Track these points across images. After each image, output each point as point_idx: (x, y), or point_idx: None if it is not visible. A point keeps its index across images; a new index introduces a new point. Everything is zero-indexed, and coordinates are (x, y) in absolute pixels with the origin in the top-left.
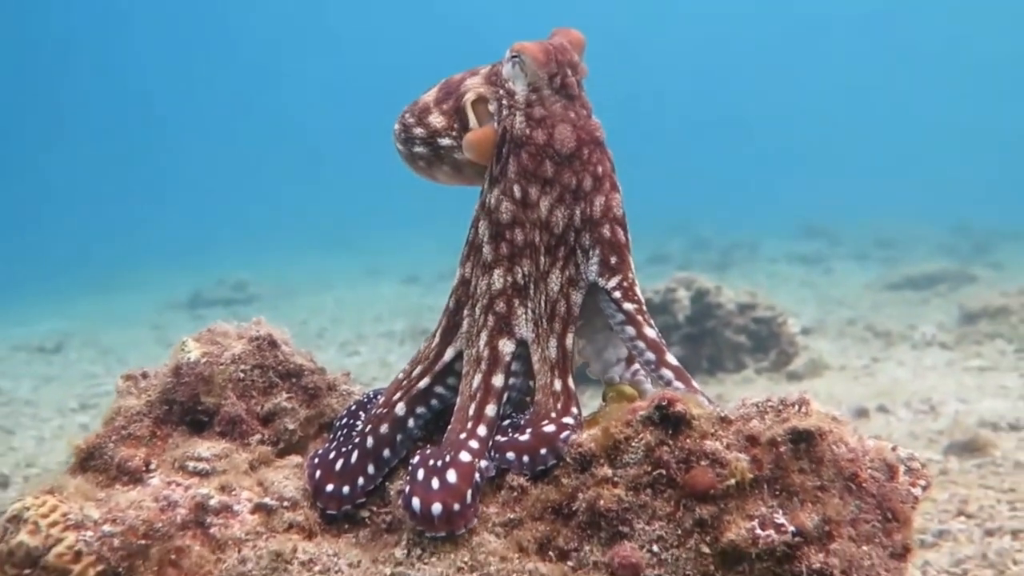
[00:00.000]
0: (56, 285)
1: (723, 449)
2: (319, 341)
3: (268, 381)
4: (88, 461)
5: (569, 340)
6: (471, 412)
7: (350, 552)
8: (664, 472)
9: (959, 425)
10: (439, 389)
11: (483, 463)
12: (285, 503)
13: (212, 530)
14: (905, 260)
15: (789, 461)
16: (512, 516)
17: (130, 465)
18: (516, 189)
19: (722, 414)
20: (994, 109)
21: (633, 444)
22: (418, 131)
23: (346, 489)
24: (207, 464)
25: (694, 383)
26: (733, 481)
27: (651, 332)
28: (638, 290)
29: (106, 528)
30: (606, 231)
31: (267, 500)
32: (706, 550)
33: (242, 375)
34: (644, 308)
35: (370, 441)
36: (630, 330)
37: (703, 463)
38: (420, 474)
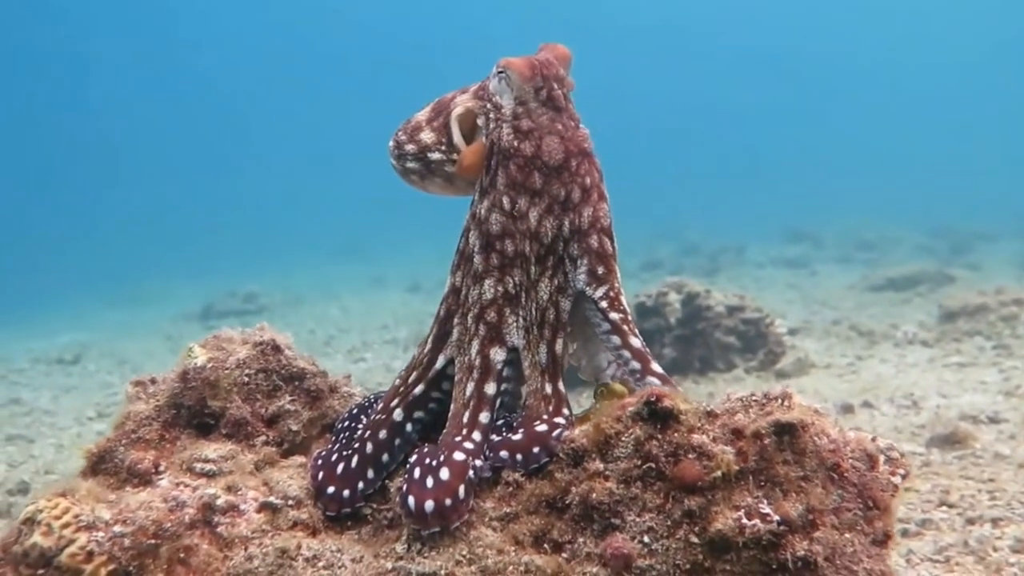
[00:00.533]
0: (74, 299)
1: (710, 442)
2: (327, 349)
3: (272, 384)
4: (99, 464)
5: (559, 346)
6: (465, 419)
7: (353, 548)
8: (653, 465)
9: (940, 419)
10: (435, 394)
11: (477, 463)
12: (290, 502)
13: (219, 529)
14: (886, 262)
15: (773, 453)
16: (508, 511)
17: (140, 468)
18: (505, 200)
19: (708, 409)
20: (970, 113)
21: (623, 439)
22: (409, 147)
23: (347, 492)
24: (214, 465)
25: (679, 389)
26: (719, 473)
27: (636, 342)
28: (624, 300)
29: (117, 528)
30: (594, 241)
31: (272, 499)
32: (695, 540)
33: (247, 379)
34: (629, 318)
35: (369, 447)
36: (616, 340)
37: (691, 456)
38: (416, 473)
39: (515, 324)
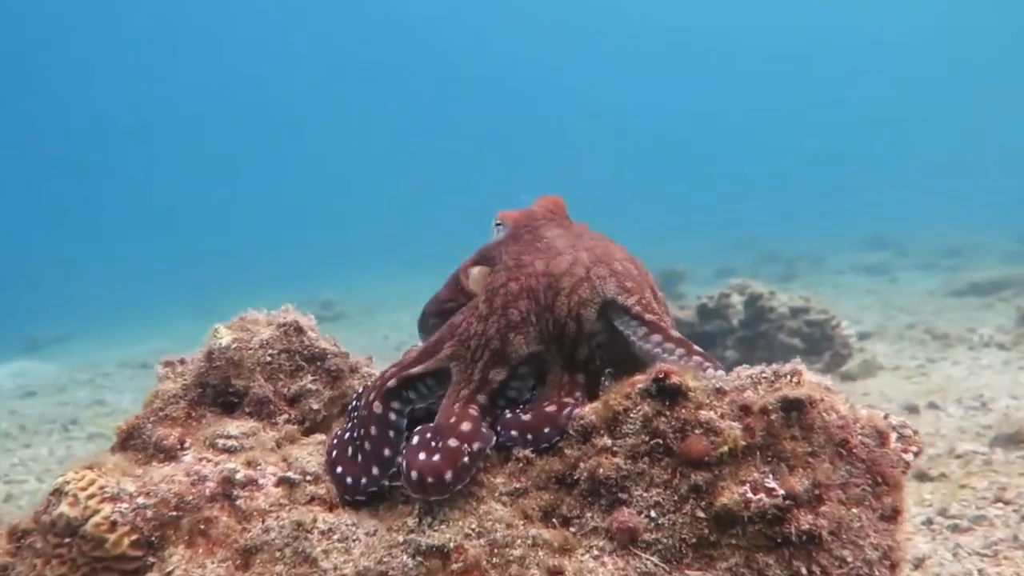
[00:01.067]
0: (158, 308)
1: (717, 418)
2: (396, 354)
3: (294, 364)
4: (128, 441)
5: (582, 352)
6: (462, 396)
7: (368, 522)
8: (661, 441)
9: (1008, 419)
10: (409, 394)
11: (476, 445)
12: (308, 477)
13: (238, 502)
14: (971, 268)
15: (780, 428)
16: (518, 486)
17: (165, 444)
18: (509, 259)
19: (717, 386)
20: None
21: (632, 415)
22: (429, 308)
23: (364, 480)
24: (235, 442)
25: (719, 365)
26: (726, 448)
27: (676, 333)
28: (657, 307)
29: (140, 500)
30: (617, 266)
31: (290, 474)
32: (701, 514)
33: (270, 359)
34: (670, 322)
35: (368, 445)
36: (656, 337)
37: (698, 432)
38: (415, 440)
39: (522, 344)
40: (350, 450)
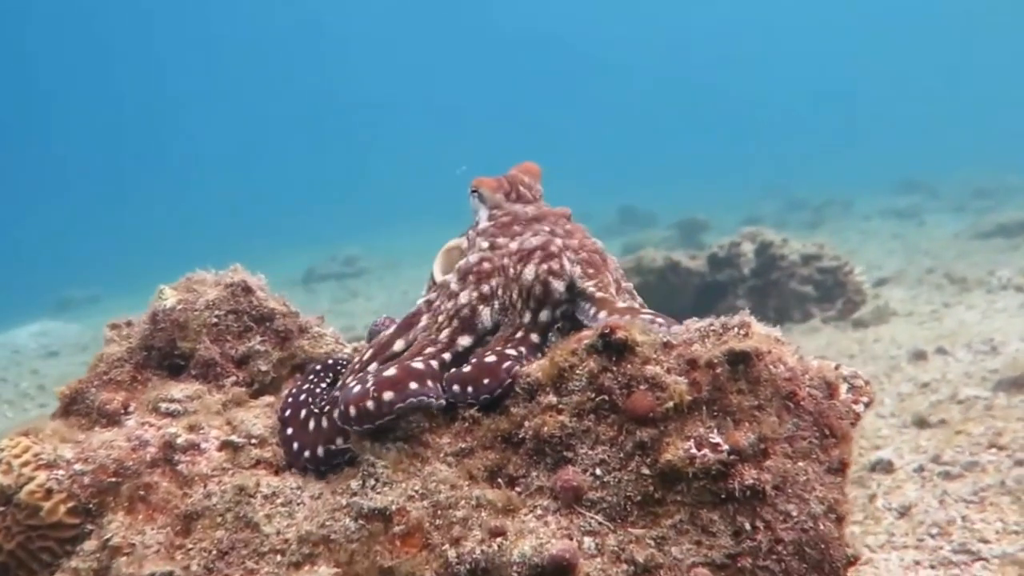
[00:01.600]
0: (187, 268)
1: (663, 373)
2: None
3: (243, 325)
4: (71, 406)
5: (544, 315)
6: (426, 352)
7: (314, 486)
8: (607, 398)
9: (1015, 362)
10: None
11: (413, 384)
12: (253, 440)
13: (180, 467)
14: (1001, 209)
15: (727, 382)
16: (464, 446)
17: (108, 408)
18: (483, 241)
19: (665, 340)
20: None
21: (577, 372)
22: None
23: (307, 454)
24: (179, 405)
25: (676, 326)
26: (672, 404)
27: (625, 305)
28: (614, 291)
29: (77, 467)
30: (584, 255)
31: (234, 438)
32: (646, 471)
33: (216, 320)
34: (617, 299)
35: (325, 422)
36: (603, 313)
37: (643, 387)
38: (351, 381)
39: (488, 313)
40: (303, 413)
